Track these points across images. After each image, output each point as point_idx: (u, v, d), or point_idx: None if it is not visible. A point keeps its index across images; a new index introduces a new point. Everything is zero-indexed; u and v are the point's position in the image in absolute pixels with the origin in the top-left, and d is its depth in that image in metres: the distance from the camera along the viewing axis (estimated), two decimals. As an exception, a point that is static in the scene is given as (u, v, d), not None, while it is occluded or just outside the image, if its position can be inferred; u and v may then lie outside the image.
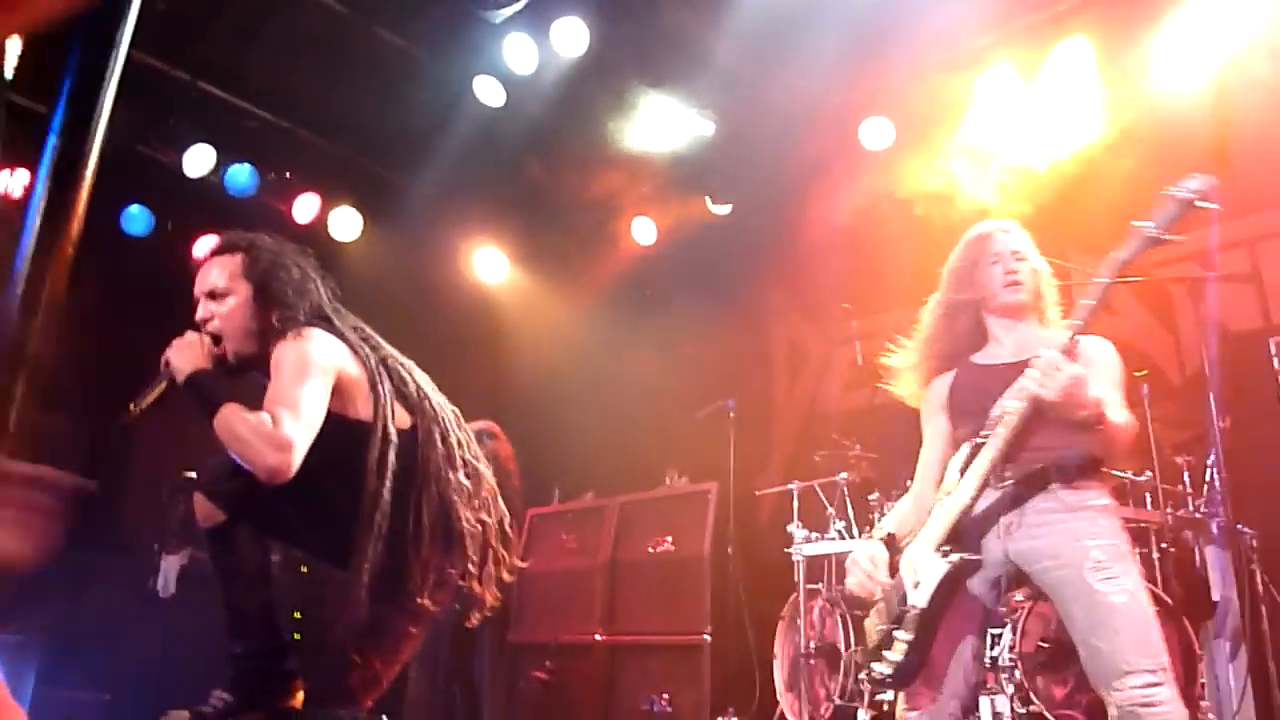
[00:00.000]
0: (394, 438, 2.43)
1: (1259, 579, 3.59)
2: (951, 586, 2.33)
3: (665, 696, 4.89)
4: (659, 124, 5.72)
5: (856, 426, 5.67)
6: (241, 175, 5.96)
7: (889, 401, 6.03)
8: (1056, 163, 5.14)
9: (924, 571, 2.37)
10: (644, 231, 6.73)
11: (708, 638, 4.85)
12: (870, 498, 4.57)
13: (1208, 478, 3.85)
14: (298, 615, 6.35)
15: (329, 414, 2.34)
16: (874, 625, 2.49)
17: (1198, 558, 3.85)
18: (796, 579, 4.60)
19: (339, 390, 2.40)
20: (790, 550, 4.68)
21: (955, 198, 5.31)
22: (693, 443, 5.76)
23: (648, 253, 6.79)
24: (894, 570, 2.46)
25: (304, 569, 6.48)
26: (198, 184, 5.89)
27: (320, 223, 6.31)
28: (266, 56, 5.49)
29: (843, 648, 4.29)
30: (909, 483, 4.49)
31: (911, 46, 5.11)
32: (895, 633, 2.36)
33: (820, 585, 4.66)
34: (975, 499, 2.35)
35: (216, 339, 2.49)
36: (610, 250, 6.90)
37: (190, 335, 2.48)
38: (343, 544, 2.38)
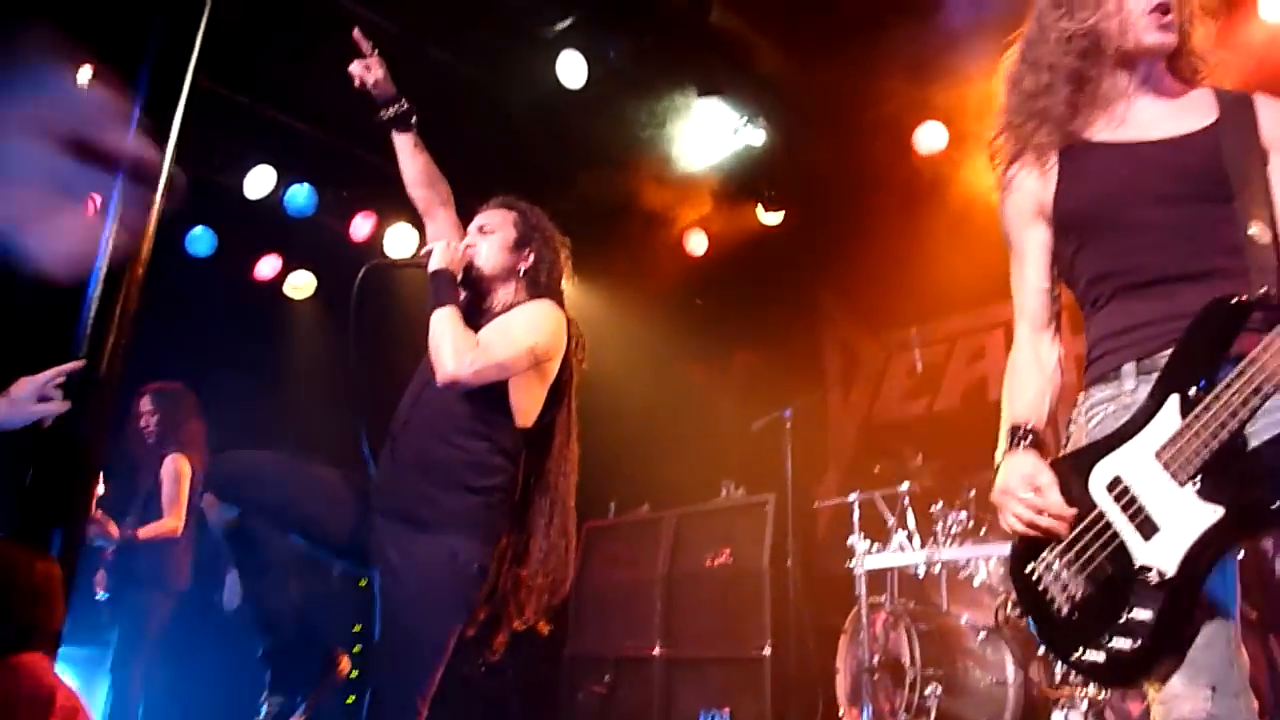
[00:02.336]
0: (554, 445, 2.68)
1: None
2: (1221, 547, 1.44)
3: (726, 710, 4.84)
4: (709, 133, 5.71)
5: (915, 435, 5.59)
6: (300, 195, 6.08)
7: (948, 408, 6.00)
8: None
9: (1163, 508, 1.48)
10: (696, 241, 6.71)
11: (768, 652, 4.80)
12: (934, 508, 4.48)
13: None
14: (358, 629, 6.43)
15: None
16: (1057, 589, 1.58)
17: (1278, 567, 3.70)
18: (858, 592, 4.52)
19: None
20: (851, 564, 4.61)
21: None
22: (748, 454, 5.72)
23: (700, 262, 6.78)
24: (1068, 492, 1.61)
25: (363, 583, 6.56)
26: (258, 205, 6.02)
27: (377, 240, 6.40)
28: (322, 78, 5.58)
29: (907, 663, 4.20)
30: (971, 493, 4.45)
31: (966, 49, 5.03)
32: (1114, 614, 1.48)
33: (883, 598, 4.58)
34: (1261, 406, 1.44)
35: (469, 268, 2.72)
36: (662, 260, 6.89)
37: (459, 247, 2.72)
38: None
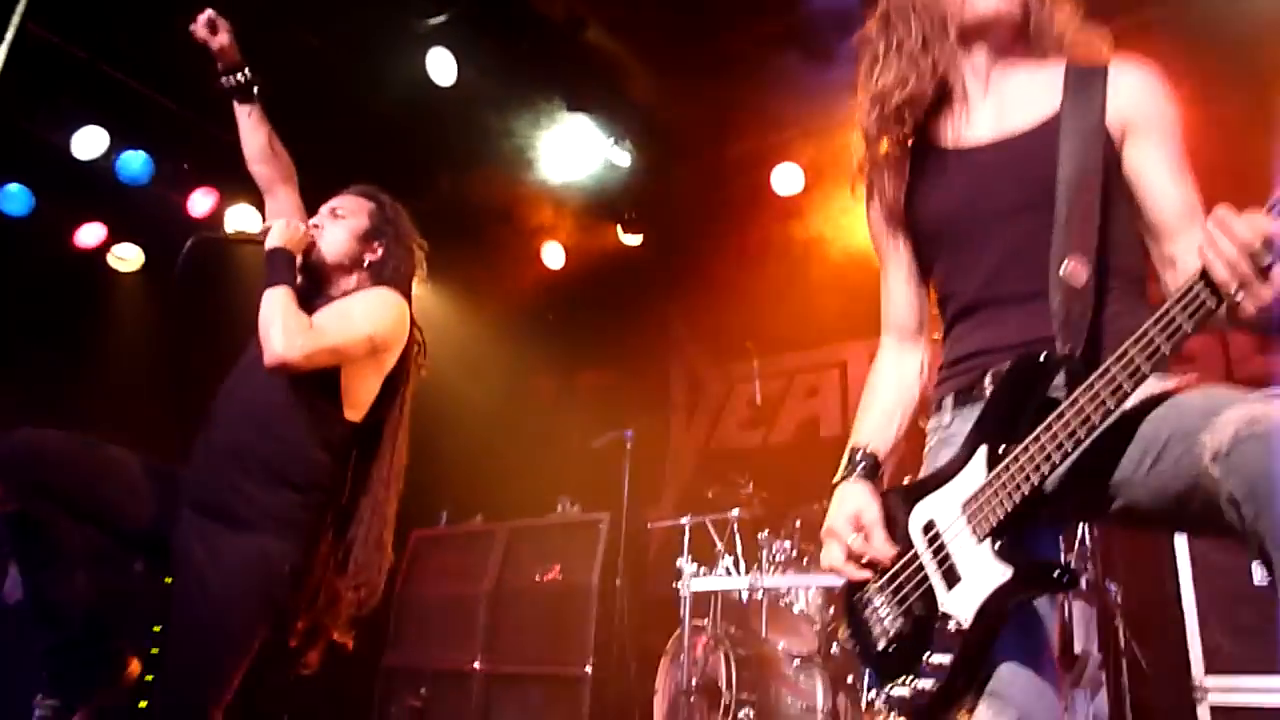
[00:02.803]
0: (382, 450, 2.58)
1: (1121, 634, 3.75)
2: (1014, 602, 1.43)
3: (542, 728, 4.81)
4: (576, 148, 5.72)
5: (750, 465, 5.72)
6: (135, 162, 5.69)
7: (782, 441, 6.19)
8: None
9: (965, 559, 1.47)
10: (553, 255, 6.70)
11: (589, 670, 4.79)
12: (760, 536, 4.60)
13: (1079, 534, 4.01)
14: (158, 629, 6.02)
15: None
16: (875, 621, 1.59)
17: (1066, 612, 4.00)
18: (681, 614, 4.59)
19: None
20: (678, 585, 4.68)
21: (863, 250, 5.46)
22: (587, 472, 5.73)
23: (555, 276, 6.77)
24: (893, 527, 1.59)
25: (169, 579, 6.16)
26: (86, 167, 5.59)
27: (216, 217, 6.06)
28: (175, 44, 5.27)
29: (723, 686, 4.28)
30: (797, 523, 4.61)
31: (825, 95, 5.25)
32: (921, 651, 1.50)
33: (705, 621, 4.66)
34: (1059, 467, 1.40)
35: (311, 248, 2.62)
36: (516, 271, 6.85)
37: (301, 226, 2.62)
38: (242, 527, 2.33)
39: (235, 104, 2.77)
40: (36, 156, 5.54)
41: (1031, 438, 1.40)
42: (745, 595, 4.56)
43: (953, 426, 1.60)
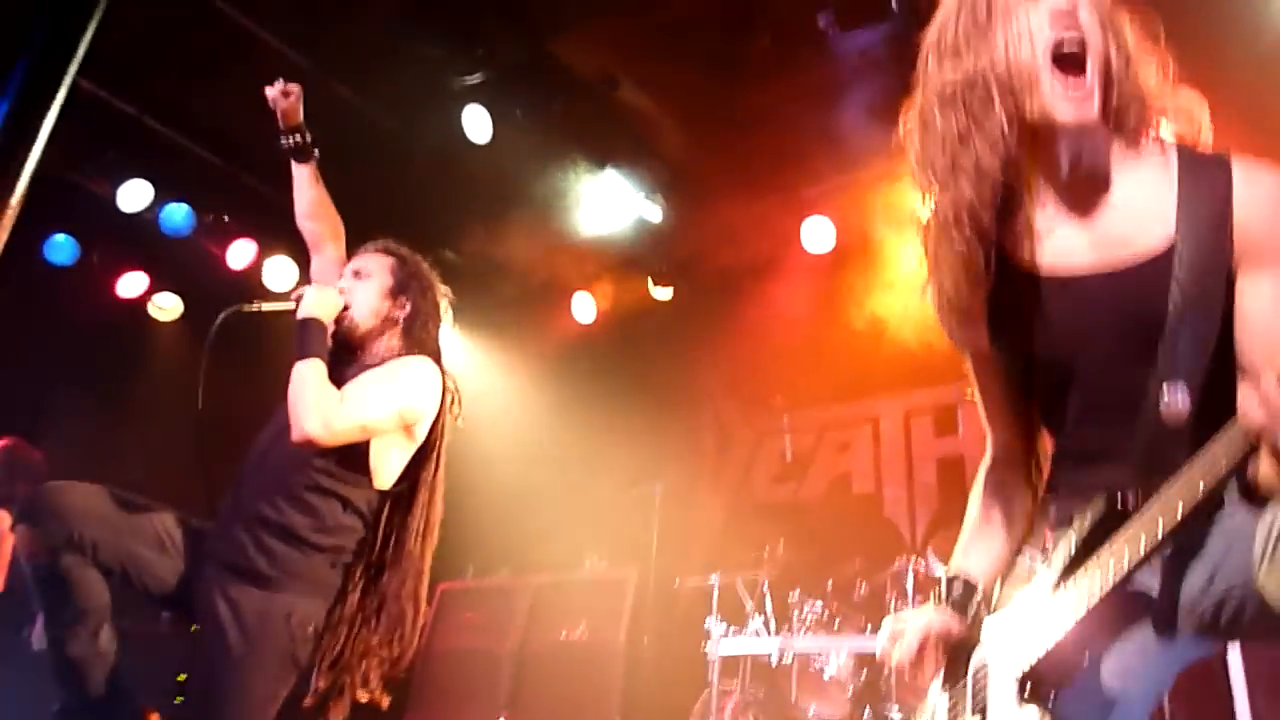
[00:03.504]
0: (417, 506, 2.57)
1: (1165, 707, 3.60)
2: None
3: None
4: (608, 203, 5.77)
5: (781, 520, 5.65)
6: (177, 214, 5.81)
7: (813, 497, 6.10)
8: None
9: (996, 698, 1.43)
10: (584, 309, 6.72)
11: (620, 731, 4.70)
12: (791, 596, 4.51)
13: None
14: (182, 678, 5.99)
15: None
16: None
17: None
18: (710, 677, 4.49)
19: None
20: (706, 647, 4.58)
21: (895, 305, 5.43)
22: (615, 525, 5.67)
23: (585, 330, 6.79)
24: (959, 655, 1.54)
25: (195, 627, 6.13)
26: (130, 219, 5.72)
27: (255, 270, 6.16)
28: (219, 99, 5.41)
29: (752, 752, 4.18)
30: (829, 583, 4.52)
31: (857, 149, 5.26)
32: None
33: (734, 684, 4.56)
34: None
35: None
36: (547, 324, 6.88)
37: (333, 292, 2.64)
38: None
39: (294, 163, 2.86)
40: (83, 207, 5.68)
41: (1074, 581, 1.34)
42: (775, 658, 4.46)
43: (1037, 558, 1.52)
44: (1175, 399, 1.29)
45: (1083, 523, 1.38)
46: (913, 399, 5.91)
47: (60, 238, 5.90)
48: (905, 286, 5.59)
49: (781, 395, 5.47)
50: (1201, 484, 1.15)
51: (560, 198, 5.75)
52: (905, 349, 5.62)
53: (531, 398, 6.76)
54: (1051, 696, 1.35)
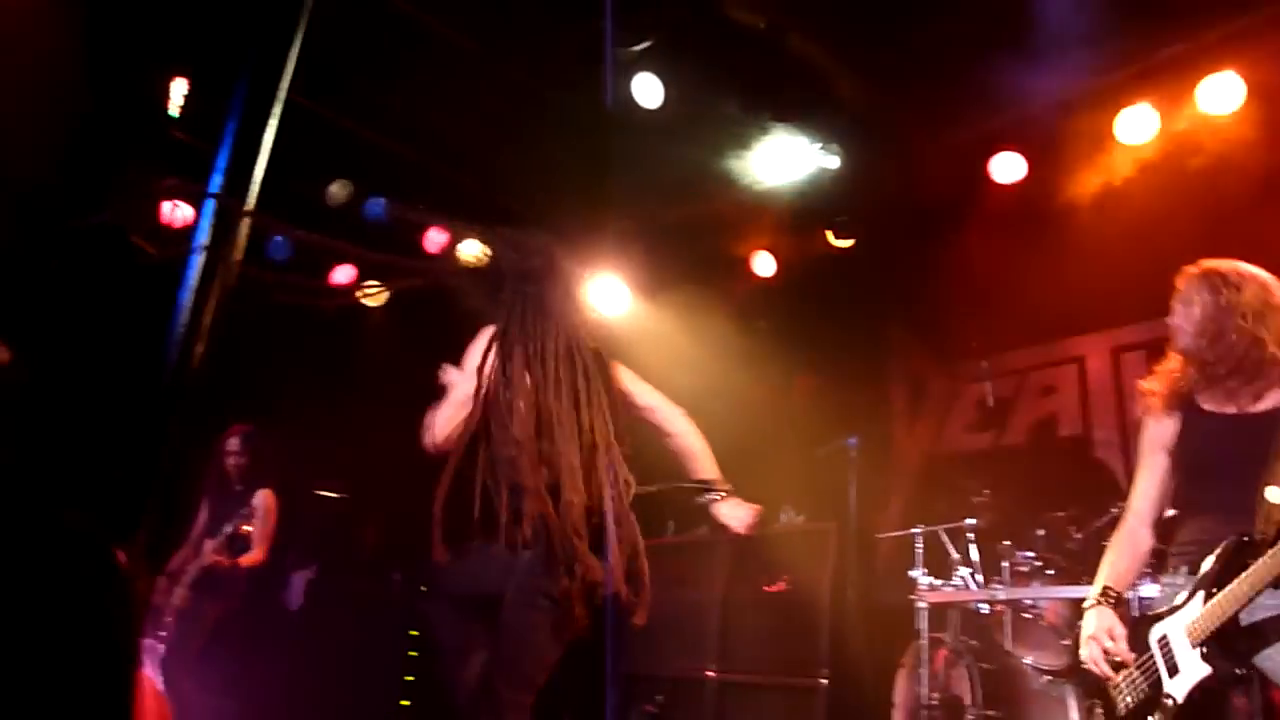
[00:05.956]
0: None
1: None
2: (1211, 695, 2.24)
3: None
4: (783, 156, 5.70)
5: (981, 469, 5.47)
6: (377, 207, 6.22)
7: (1016, 444, 5.86)
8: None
9: (1183, 660, 2.31)
10: (764, 264, 6.70)
11: (825, 681, 4.74)
12: (1000, 545, 4.37)
13: None
14: (414, 633, 6.50)
15: None
16: (1121, 698, 2.43)
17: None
18: (918, 626, 4.44)
19: None
20: (914, 597, 4.53)
21: (1092, 236, 5.12)
22: (808, 480, 5.66)
23: (767, 285, 6.76)
24: (1135, 638, 2.42)
25: (423, 588, 6.64)
26: (335, 214, 6.16)
27: (448, 251, 6.51)
28: (404, 94, 5.72)
29: (967, 701, 4.12)
30: (1040, 532, 4.34)
31: (1044, 76, 4.95)
32: (1149, 718, 2.33)
33: (944, 634, 4.49)
34: (1246, 605, 2.24)
35: None
36: (730, 282, 6.89)
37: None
38: None
39: None
40: (292, 207, 6.15)
41: (1228, 589, 2.26)
42: (986, 607, 4.36)
43: (1181, 581, 2.44)
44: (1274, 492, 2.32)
45: (1226, 549, 2.32)
46: (1121, 334, 5.56)
47: (279, 238, 6.42)
48: (1100, 214, 5.25)
49: (978, 339, 5.27)
50: None
51: (735, 155, 5.72)
52: (1108, 283, 5.29)
53: (717, 357, 6.80)
54: (1222, 658, 2.26)
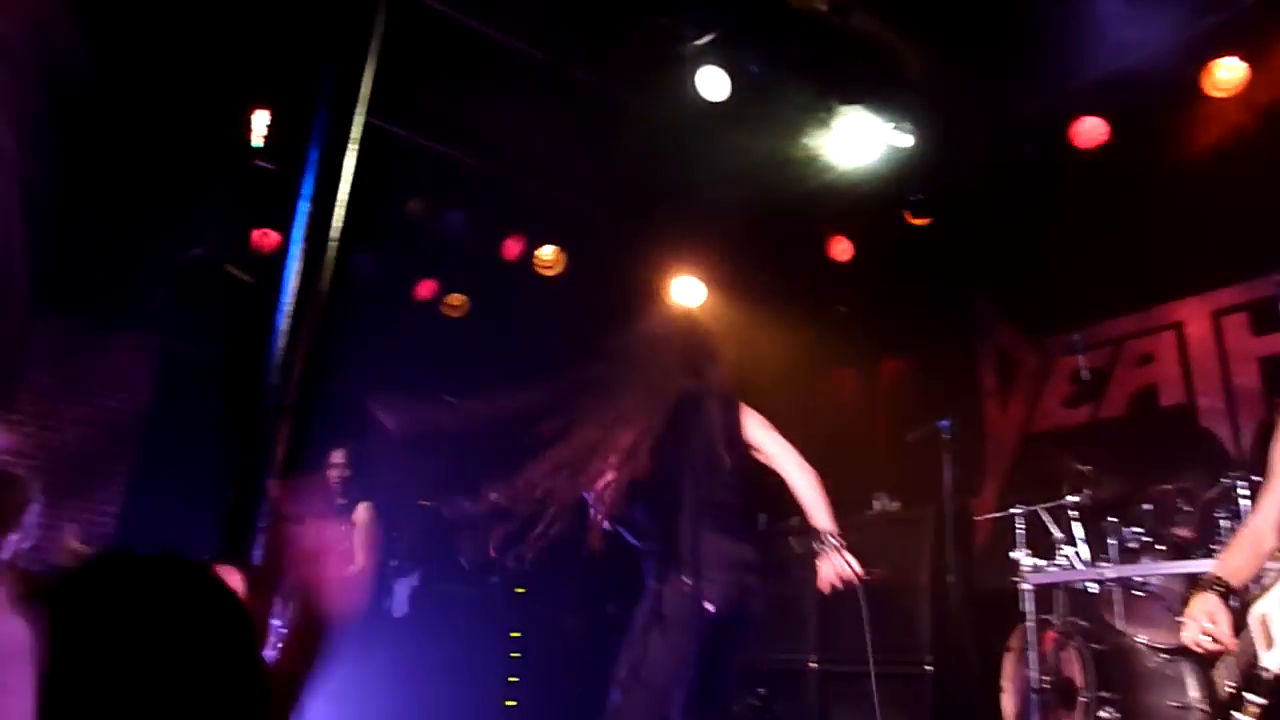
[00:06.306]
0: None
1: None
2: None
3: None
4: (853, 140, 5.62)
5: (1080, 445, 5.33)
6: (455, 220, 6.35)
7: (1115, 416, 5.69)
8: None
9: (1279, 635, 2.38)
10: (840, 249, 6.62)
11: (929, 668, 4.67)
12: (1106, 522, 4.24)
13: None
14: (515, 634, 6.61)
15: None
16: (1221, 679, 2.50)
17: None
18: (1024, 608, 4.34)
19: None
20: (1017, 579, 4.43)
21: (1185, 196, 4.93)
22: (901, 466, 5.58)
23: (846, 270, 6.67)
24: (1238, 623, 2.46)
25: (520, 590, 6.76)
26: (416, 229, 6.31)
27: (525, 259, 6.61)
28: (472, 106, 5.82)
29: (1080, 684, 4.01)
30: (1147, 507, 4.20)
31: (1123, 35, 4.78)
32: (1246, 695, 2.38)
33: (1051, 616, 4.38)
34: None
35: None
36: (807, 269, 6.83)
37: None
38: None
39: None
40: (374, 225, 6.33)
41: None
42: (1094, 586, 4.23)
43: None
44: None
45: None
46: (1220, 296, 5.34)
47: (360, 256, 6.61)
48: (1190, 174, 5.05)
49: (1067, 311, 5.13)
50: None
51: (805, 140, 5.67)
52: (1204, 243, 5.09)
53: (797, 344, 6.76)
54: None
